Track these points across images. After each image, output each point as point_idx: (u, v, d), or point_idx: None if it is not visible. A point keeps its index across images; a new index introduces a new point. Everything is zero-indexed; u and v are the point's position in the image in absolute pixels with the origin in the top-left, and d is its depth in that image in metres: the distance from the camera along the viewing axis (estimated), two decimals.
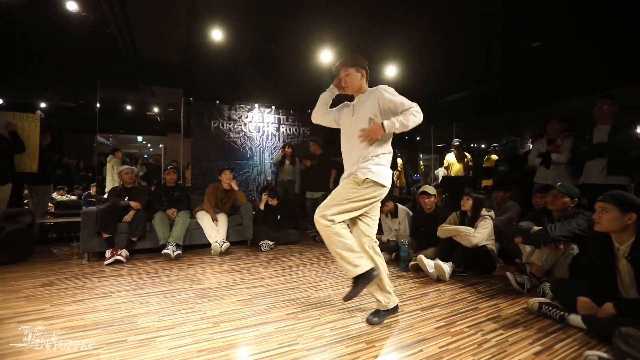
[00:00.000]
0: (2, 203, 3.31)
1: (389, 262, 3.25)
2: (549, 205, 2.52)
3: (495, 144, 6.43)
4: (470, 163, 5.77)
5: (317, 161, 4.66)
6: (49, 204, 4.70)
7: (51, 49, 4.26)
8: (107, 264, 3.09)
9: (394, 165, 4.87)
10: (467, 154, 5.78)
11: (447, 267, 2.65)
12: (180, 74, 5.07)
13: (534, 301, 2.05)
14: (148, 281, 2.64)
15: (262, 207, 4.10)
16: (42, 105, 6.03)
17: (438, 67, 4.88)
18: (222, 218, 3.73)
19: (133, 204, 3.49)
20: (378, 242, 1.94)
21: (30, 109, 4.04)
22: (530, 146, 4.30)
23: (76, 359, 1.49)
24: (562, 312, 1.88)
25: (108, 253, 3.18)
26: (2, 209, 3.23)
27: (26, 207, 4.05)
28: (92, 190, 5.71)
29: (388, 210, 3.51)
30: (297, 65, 4.75)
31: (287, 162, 4.96)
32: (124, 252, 3.23)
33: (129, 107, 6.72)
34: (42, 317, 1.94)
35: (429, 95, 6.11)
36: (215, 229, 3.60)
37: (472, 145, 9.03)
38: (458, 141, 5.70)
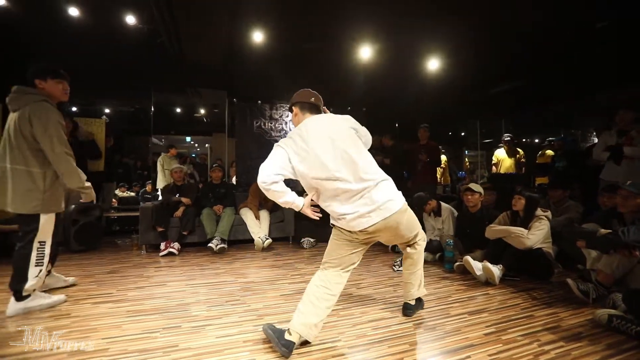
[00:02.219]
0: (77, 199, 3.74)
1: (432, 263, 3.15)
2: (619, 207, 2.24)
3: (551, 138, 5.87)
4: (523, 159, 5.34)
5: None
6: (113, 199, 5.22)
7: (112, 60, 4.71)
8: (161, 256, 3.36)
9: (437, 162, 4.66)
10: (519, 149, 5.36)
11: (496, 270, 2.48)
12: (224, 76, 5.33)
13: (603, 313, 1.84)
14: (197, 273, 2.82)
15: None
16: (107, 110, 6.69)
17: (483, 57, 4.56)
18: (264, 215, 3.85)
19: (184, 199, 3.74)
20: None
21: (97, 115, 4.50)
22: (595, 140, 3.87)
23: (140, 339, 1.65)
24: (639, 328, 1.67)
25: (162, 245, 3.45)
26: (76, 204, 3.65)
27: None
28: (148, 188, 6.21)
29: (431, 208, 3.38)
30: (336, 63, 4.75)
31: None
32: (176, 245, 3.48)
33: (178, 110, 7.21)
34: (111, 300, 2.17)
35: (474, 88, 5.74)
36: (258, 225, 3.73)
37: (523, 140, 8.35)
38: (509, 136, 5.29)
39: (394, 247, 3.64)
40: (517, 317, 1.96)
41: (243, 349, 1.57)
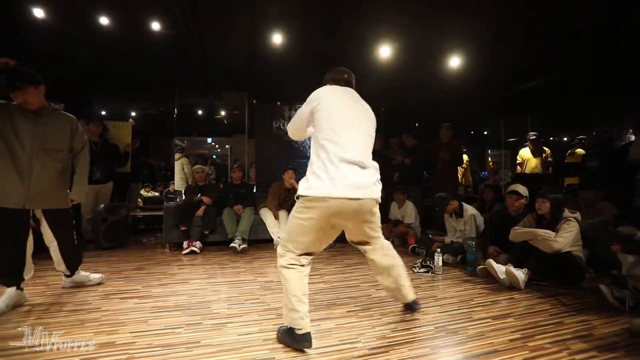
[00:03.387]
0: (106, 198, 3.93)
1: (453, 265, 3.07)
2: None
3: (581, 136, 5.55)
4: (550, 159, 5.10)
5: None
6: (138, 199, 5.43)
7: (139, 65, 4.91)
8: (184, 254, 3.46)
9: (460, 162, 4.53)
10: (545, 148, 5.13)
11: (521, 274, 2.39)
12: (244, 79, 5.43)
13: None
14: (218, 271, 2.89)
15: None
16: (133, 113, 6.97)
17: (507, 53, 4.39)
18: (283, 215, 3.88)
19: (205, 199, 3.84)
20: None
21: (124, 118, 4.71)
22: (632, 138, 3.64)
23: (164, 334, 1.70)
24: None
25: (185, 244, 3.55)
26: (106, 203, 3.83)
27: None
28: (171, 188, 6.41)
29: (452, 209, 3.30)
30: (355, 63, 4.72)
31: None
32: (198, 243, 3.58)
33: (200, 112, 7.42)
34: (137, 295, 2.26)
35: (498, 85, 5.55)
36: (277, 225, 3.77)
37: (551, 138, 7.98)
38: (535, 134, 5.07)
39: (414, 248, 3.58)
40: (545, 323, 1.87)
41: (263, 347, 1.59)
